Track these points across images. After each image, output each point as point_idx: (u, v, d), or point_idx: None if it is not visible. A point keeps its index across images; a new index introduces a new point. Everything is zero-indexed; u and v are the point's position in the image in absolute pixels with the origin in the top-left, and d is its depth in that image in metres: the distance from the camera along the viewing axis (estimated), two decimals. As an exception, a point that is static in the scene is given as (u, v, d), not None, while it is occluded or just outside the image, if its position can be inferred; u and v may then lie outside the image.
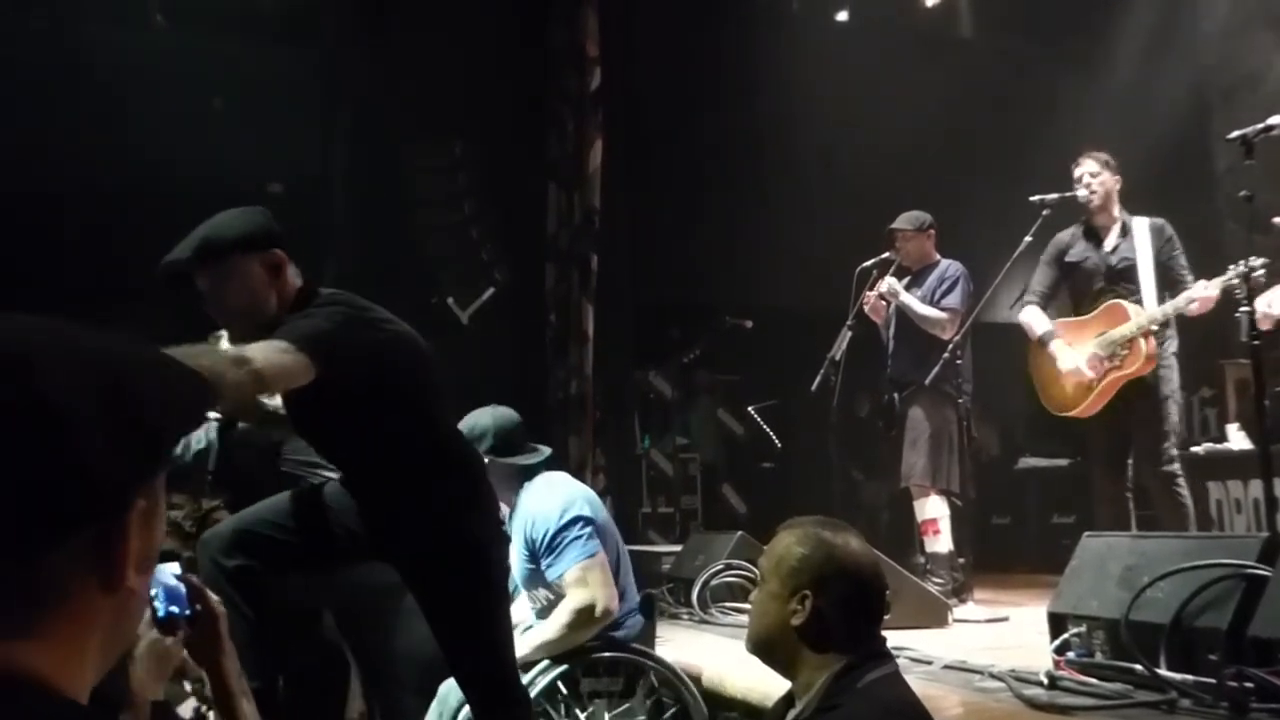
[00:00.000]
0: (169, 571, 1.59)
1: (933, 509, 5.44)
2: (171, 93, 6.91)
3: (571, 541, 3.48)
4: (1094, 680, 3.17)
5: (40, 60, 6.75)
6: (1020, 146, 7.81)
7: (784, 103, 8.50)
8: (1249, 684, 2.71)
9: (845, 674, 2.04)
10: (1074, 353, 4.98)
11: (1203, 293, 4.64)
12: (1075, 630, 3.34)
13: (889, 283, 5.64)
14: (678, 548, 6.67)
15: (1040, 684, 3.23)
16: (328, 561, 2.96)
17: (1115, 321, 4.91)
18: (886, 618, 2.19)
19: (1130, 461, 5.01)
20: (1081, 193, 5.08)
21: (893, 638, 2.54)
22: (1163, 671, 2.96)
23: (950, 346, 5.31)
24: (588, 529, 3.51)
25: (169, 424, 0.87)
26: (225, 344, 3.40)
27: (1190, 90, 8.19)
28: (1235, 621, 2.85)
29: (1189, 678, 2.89)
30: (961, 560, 5.44)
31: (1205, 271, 4.89)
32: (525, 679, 3.39)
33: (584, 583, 3.46)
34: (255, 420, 3.09)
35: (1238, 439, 6.28)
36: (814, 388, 5.66)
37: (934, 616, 4.83)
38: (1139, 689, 3.00)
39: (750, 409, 8.92)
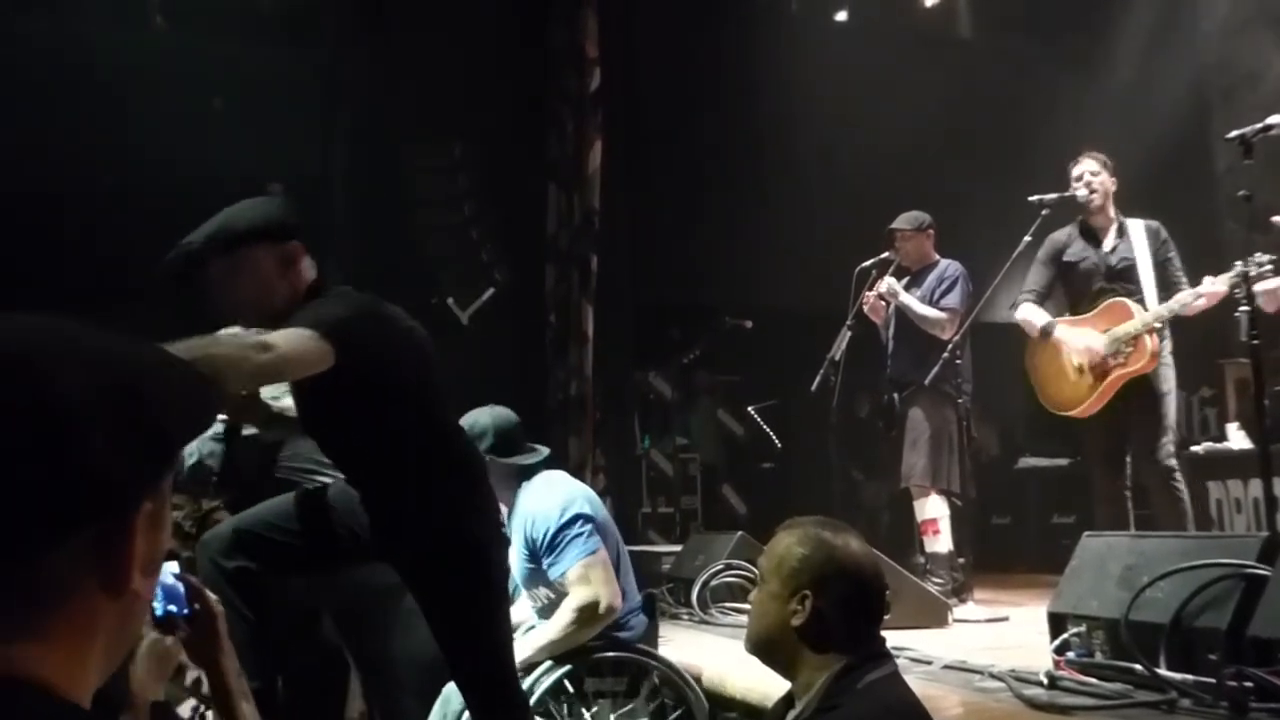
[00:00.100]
0: (168, 571, 1.59)
1: (933, 509, 5.44)
2: (171, 93, 6.91)
3: (572, 540, 3.48)
4: (1094, 680, 3.17)
5: (40, 60, 6.75)
6: (1020, 146, 7.81)
7: (783, 103, 8.50)
8: (1249, 684, 2.71)
9: (845, 674, 2.04)
10: (1079, 347, 4.96)
11: (1211, 288, 4.64)
12: (1075, 630, 3.34)
13: (888, 283, 5.64)
14: (678, 548, 6.67)
15: (1040, 684, 3.23)
16: (328, 564, 2.96)
17: (1118, 319, 4.91)
18: (886, 618, 2.19)
19: (1129, 460, 5.01)
20: (1081, 192, 5.08)
21: (893, 638, 2.55)
22: (1162, 671, 2.96)
23: (950, 346, 5.31)
24: (588, 527, 3.51)
25: (176, 427, 0.87)
26: None
27: (1190, 90, 8.19)
28: (1235, 621, 2.85)
29: (1189, 677, 2.89)
30: (961, 560, 5.44)
31: (1204, 271, 4.90)
32: (530, 678, 3.40)
33: (586, 580, 3.46)
34: (260, 421, 3.08)
35: (1237, 438, 6.28)
36: (814, 388, 5.66)
37: (934, 616, 4.83)
38: (1139, 689, 3.00)
39: (750, 409, 8.92)
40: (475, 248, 7.86)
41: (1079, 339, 4.96)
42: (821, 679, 2.05)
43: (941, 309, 5.54)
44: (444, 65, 7.89)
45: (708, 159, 8.58)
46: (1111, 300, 4.97)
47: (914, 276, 5.76)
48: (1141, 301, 4.92)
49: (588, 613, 3.45)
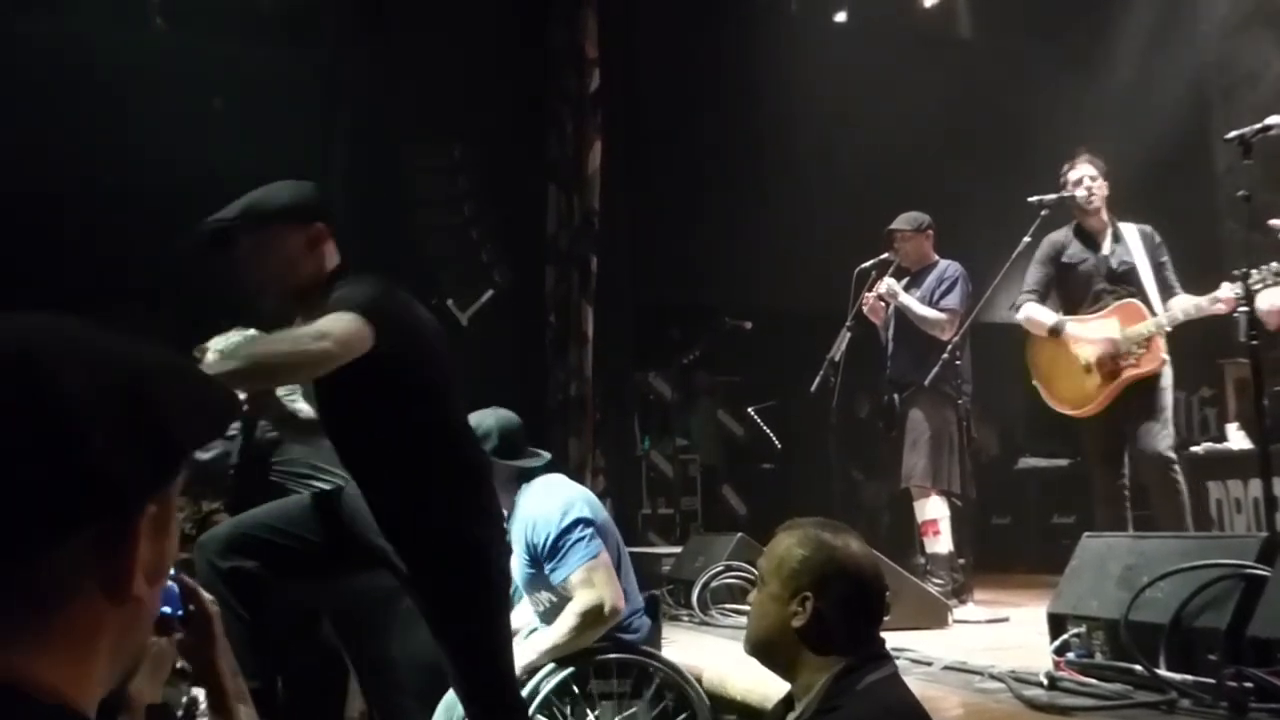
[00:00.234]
0: None
1: (933, 510, 5.44)
2: (171, 93, 6.91)
3: (575, 544, 3.47)
4: (1094, 681, 3.17)
5: (40, 60, 6.75)
6: (1019, 146, 7.81)
7: (783, 103, 8.51)
8: (1248, 684, 2.71)
9: (845, 675, 2.04)
10: (1090, 345, 4.94)
11: (1228, 293, 4.63)
12: (1075, 631, 3.34)
13: (888, 283, 5.64)
14: (678, 549, 6.67)
15: (1040, 685, 3.23)
16: (327, 567, 2.95)
17: (1131, 319, 4.91)
18: (886, 619, 2.19)
19: (1127, 459, 5.01)
20: (1081, 193, 5.08)
21: (893, 639, 2.55)
22: (1162, 672, 2.96)
23: (949, 347, 5.31)
24: (589, 530, 3.51)
25: (187, 432, 0.86)
26: (210, 356, 3.40)
27: (1190, 89, 8.19)
28: (1234, 621, 2.85)
29: (1188, 678, 2.89)
30: (961, 561, 5.44)
31: (1203, 270, 4.90)
32: (534, 681, 3.40)
33: (590, 584, 3.46)
34: (274, 417, 3.08)
35: (1237, 439, 6.28)
36: (813, 389, 5.66)
37: (934, 617, 4.83)
38: (1139, 689, 3.00)
39: (750, 410, 8.92)
40: (475, 248, 7.86)
41: (1096, 331, 4.93)
42: (821, 680, 2.05)
43: (941, 309, 5.54)
44: (444, 65, 7.89)
45: (708, 159, 8.58)
46: (1124, 301, 4.96)
47: (913, 277, 5.77)
48: (1146, 304, 4.92)
49: (592, 616, 3.44)
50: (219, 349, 3.55)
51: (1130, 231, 5.08)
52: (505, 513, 3.57)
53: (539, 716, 3.36)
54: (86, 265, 6.55)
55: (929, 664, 3.80)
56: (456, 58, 7.88)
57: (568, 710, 3.47)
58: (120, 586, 0.82)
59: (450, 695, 3.32)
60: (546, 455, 3.77)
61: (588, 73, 8.06)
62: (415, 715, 3.51)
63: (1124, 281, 5.02)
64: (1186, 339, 5.04)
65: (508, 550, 2.98)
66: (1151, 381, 4.89)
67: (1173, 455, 4.90)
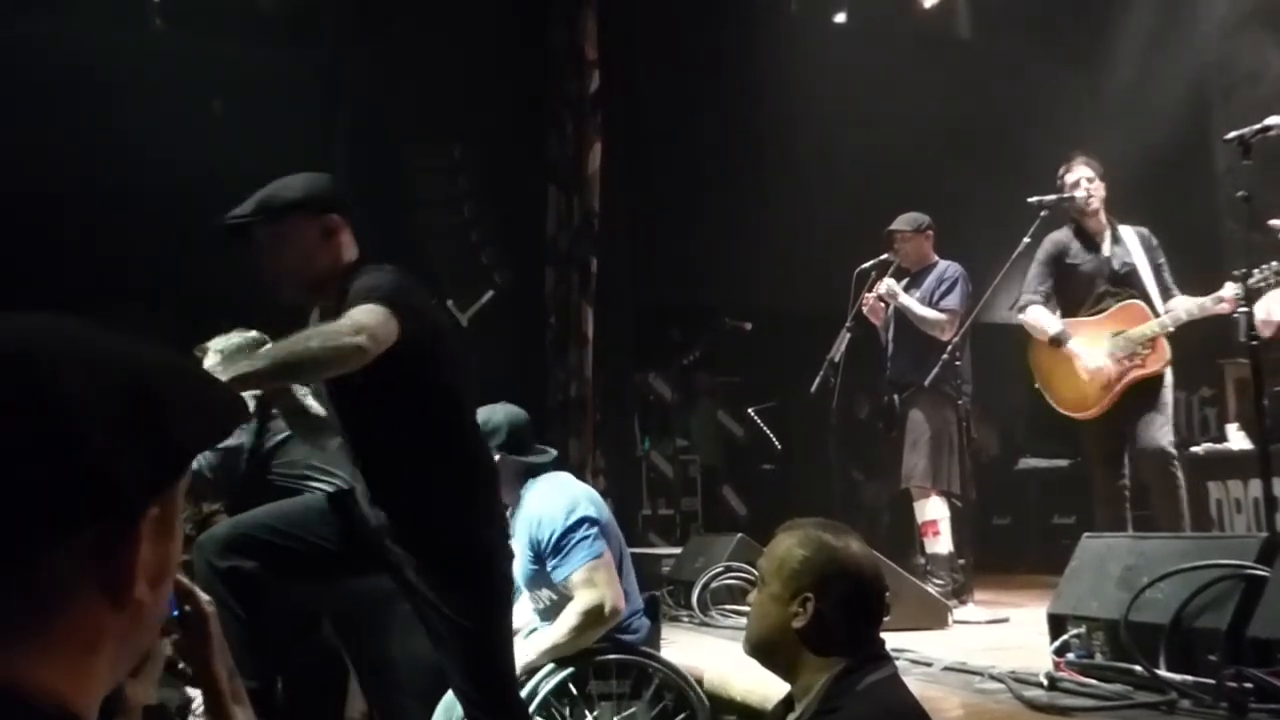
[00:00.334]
0: None
1: (933, 510, 5.44)
2: (171, 94, 6.91)
3: (578, 543, 3.47)
4: (1094, 681, 3.17)
5: (40, 61, 6.75)
6: (1019, 147, 7.81)
7: (783, 104, 8.50)
8: (1248, 684, 2.71)
9: (845, 676, 2.04)
10: (1095, 351, 4.94)
11: (1231, 293, 4.62)
12: (1075, 631, 3.34)
13: (888, 284, 5.64)
14: (678, 550, 6.67)
15: (1040, 685, 3.23)
16: (326, 569, 2.95)
17: (1134, 321, 4.90)
18: (886, 619, 2.19)
19: (1127, 459, 5.01)
20: (1080, 194, 5.07)
21: (893, 639, 2.54)
22: (1162, 672, 2.96)
23: (949, 347, 5.31)
24: (594, 530, 3.51)
25: (189, 433, 0.85)
26: (210, 359, 3.41)
27: (1190, 89, 8.19)
28: (1234, 622, 2.85)
29: (1188, 678, 2.89)
30: (962, 561, 5.44)
31: (1203, 270, 4.89)
32: (533, 681, 3.39)
33: (592, 583, 3.46)
34: (287, 410, 3.08)
35: (1237, 439, 6.28)
36: (813, 389, 5.67)
37: (934, 618, 4.83)
38: (1139, 690, 3.00)
39: (750, 411, 8.92)
40: (475, 249, 7.86)
41: (1092, 359, 4.92)
42: (821, 681, 2.05)
43: (941, 310, 5.54)
44: (444, 66, 7.89)
45: (707, 160, 8.58)
46: (1127, 302, 4.95)
47: (913, 278, 5.77)
48: (1149, 304, 4.92)
49: (593, 616, 3.44)
50: (219, 349, 3.56)
51: (1129, 233, 5.09)
52: (510, 508, 3.58)
53: (537, 718, 3.36)
54: (86, 265, 6.55)
55: (929, 664, 3.80)
56: (456, 58, 7.88)
57: (566, 711, 3.46)
58: (121, 589, 0.81)
59: (450, 695, 3.32)
60: (553, 452, 3.79)
61: (588, 73, 8.06)
62: (415, 715, 3.51)
63: (1126, 283, 5.02)
64: (1186, 339, 5.04)
65: (510, 554, 2.98)
66: (1153, 381, 4.88)
67: (1174, 451, 4.90)
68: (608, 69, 8.11)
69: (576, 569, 3.47)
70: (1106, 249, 5.09)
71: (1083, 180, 5.08)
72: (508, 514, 3.59)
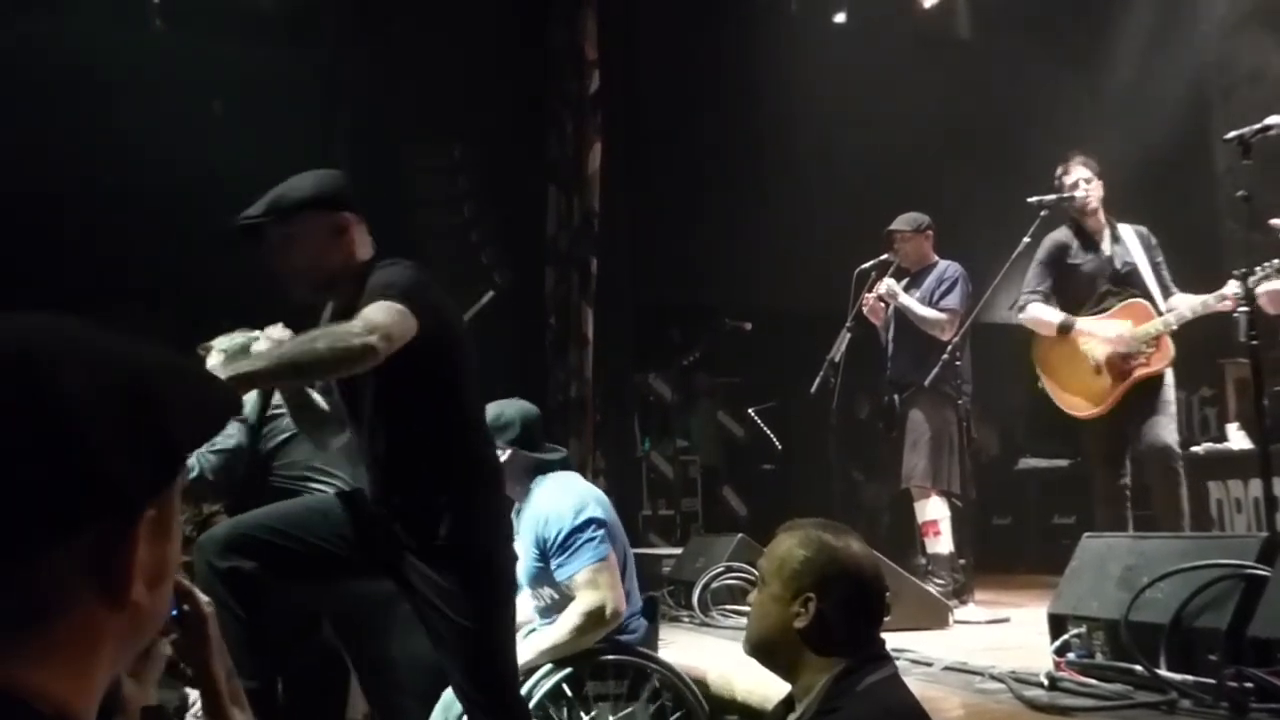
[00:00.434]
0: None
1: (933, 510, 5.44)
2: (171, 94, 6.92)
3: (584, 543, 3.47)
4: (1094, 681, 3.18)
5: (40, 62, 6.75)
6: (1019, 147, 7.80)
7: (783, 104, 8.51)
8: (1248, 684, 2.71)
9: (845, 676, 2.04)
10: (1107, 323, 4.92)
11: (1233, 291, 4.61)
12: (1075, 631, 3.34)
13: (888, 284, 5.64)
14: (678, 550, 6.67)
15: (1041, 685, 3.23)
16: (326, 570, 2.94)
17: (1139, 318, 4.89)
18: (887, 619, 2.19)
19: (1128, 460, 5.01)
20: (1080, 194, 5.07)
21: (893, 639, 2.55)
22: (1163, 672, 2.96)
23: (949, 347, 5.31)
24: (600, 531, 3.51)
25: (182, 431, 0.85)
26: (213, 358, 3.40)
27: (1190, 89, 8.19)
28: (1235, 622, 2.85)
29: (1189, 678, 2.89)
30: (962, 561, 5.44)
31: (1203, 270, 4.89)
32: (530, 682, 3.39)
33: (595, 585, 3.46)
34: (292, 402, 3.07)
35: (1238, 438, 6.28)
36: (813, 390, 5.67)
37: (935, 618, 4.83)
38: (1139, 690, 3.00)
39: (750, 411, 8.92)
40: (475, 249, 7.87)
41: (1105, 329, 4.91)
42: (821, 681, 2.05)
43: (941, 310, 5.54)
44: (444, 66, 7.89)
45: (707, 160, 8.58)
46: (1131, 300, 4.94)
47: (913, 278, 5.76)
48: (1151, 303, 4.91)
49: (594, 618, 3.44)
50: (222, 348, 3.55)
51: (1128, 232, 5.08)
52: (517, 504, 3.59)
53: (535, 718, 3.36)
54: (87, 265, 6.56)
55: (929, 665, 3.80)
56: (456, 58, 7.88)
57: (564, 712, 3.46)
58: (119, 591, 0.81)
59: (448, 693, 3.32)
60: (564, 451, 3.79)
61: (588, 73, 8.06)
62: (416, 716, 3.50)
63: (1127, 282, 5.00)
64: (1187, 339, 5.04)
65: (513, 555, 2.98)
66: (1154, 381, 4.88)
67: (1178, 450, 4.90)
68: (608, 69, 8.11)
69: (580, 569, 3.47)
70: (1106, 248, 5.08)
71: (1080, 180, 5.07)
72: (515, 509, 3.60)
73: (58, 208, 6.76)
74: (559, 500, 3.55)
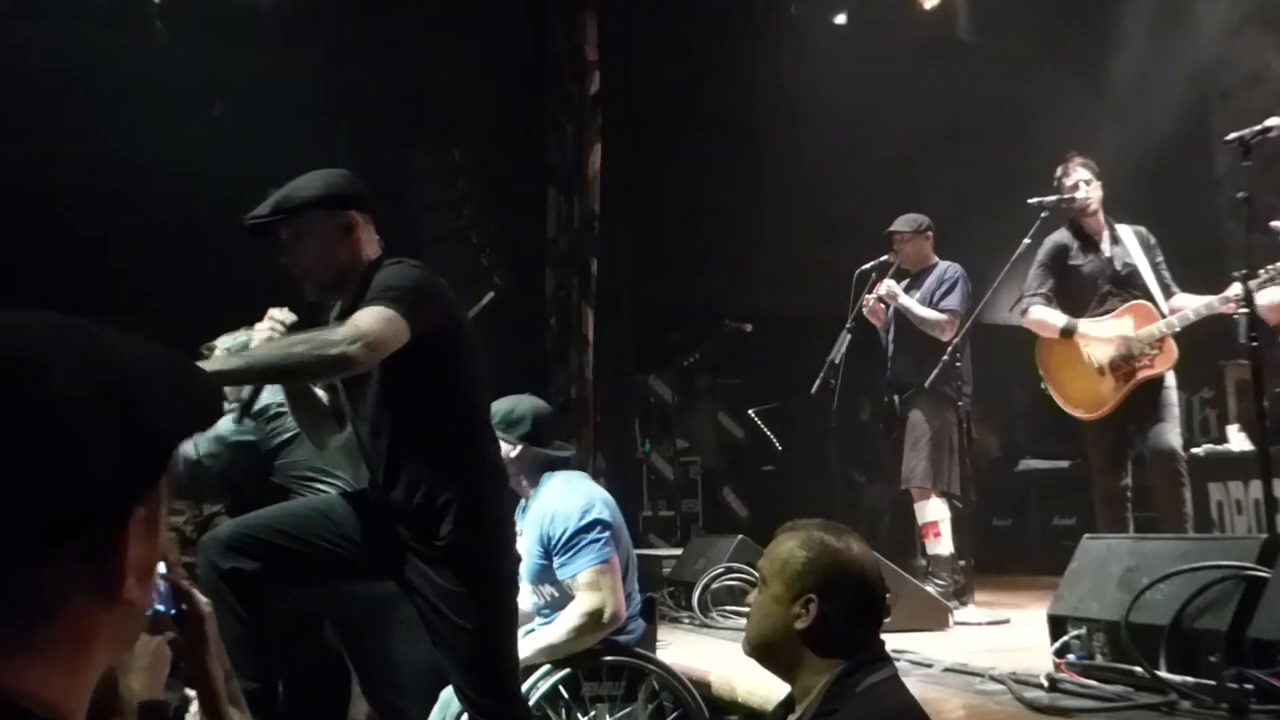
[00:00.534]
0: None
1: (933, 511, 5.44)
2: (171, 99, 6.93)
3: (589, 544, 3.48)
4: (1094, 682, 3.17)
5: (41, 65, 6.76)
6: (1019, 148, 7.79)
7: (783, 105, 8.51)
8: (1249, 685, 2.71)
9: (845, 677, 2.04)
10: (1110, 324, 4.92)
11: (1238, 293, 4.60)
12: (1075, 632, 3.34)
13: (888, 285, 5.64)
14: (678, 551, 6.67)
15: (1041, 686, 3.23)
16: (329, 571, 2.95)
17: (1143, 320, 4.88)
18: (887, 620, 2.19)
19: (1130, 461, 5.01)
20: (1080, 195, 5.06)
21: (894, 640, 2.55)
22: (1163, 673, 2.96)
23: (950, 349, 5.31)
24: (605, 534, 3.51)
25: (170, 427, 0.85)
26: (219, 353, 3.41)
27: (1190, 91, 8.19)
28: (1235, 623, 2.85)
29: (1189, 679, 2.89)
30: (963, 563, 5.44)
31: (1204, 272, 4.89)
32: (527, 683, 3.39)
33: (596, 587, 3.46)
34: (292, 399, 3.08)
35: (1238, 440, 6.28)
36: (813, 391, 5.67)
37: (935, 619, 4.83)
38: (1139, 691, 3.00)
39: (751, 412, 8.91)
40: (475, 251, 7.87)
41: (1110, 330, 4.88)
42: (821, 682, 2.05)
43: (941, 311, 5.54)
44: (444, 68, 7.90)
45: (707, 161, 8.59)
46: (1135, 302, 4.92)
47: (913, 279, 5.77)
48: (1154, 304, 4.90)
49: (593, 619, 3.45)
50: (227, 347, 3.56)
51: (1127, 233, 5.06)
52: (524, 500, 3.60)
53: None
54: (87, 266, 6.56)
55: (930, 666, 3.81)
56: (457, 60, 7.89)
57: (562, 713, 3.47)
58: (113, 589, 0.81)
59: (446, 692, 3.32)
60: (572, 450, 3.80)
61: (588, 75, 8.06)
62: (416, 717, 3.51)
63: (1128, 283, 4.98)
64: (1187, 340, 5.03)
65: (517, 557, 2.99)
66: (1157, 383, 4.86)
67: (1183, 453, 4.89)
68: (608, 71, 8.11)
69: (583, 570, 3.47)
70: (1106, 249, 5.07)
71: (1081, 181, 5.06)
72: (521, 506, 3.61)
73: (58, 209, 6.76)
74: (566, 499, 3.56)
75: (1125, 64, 8.43)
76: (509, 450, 3.54)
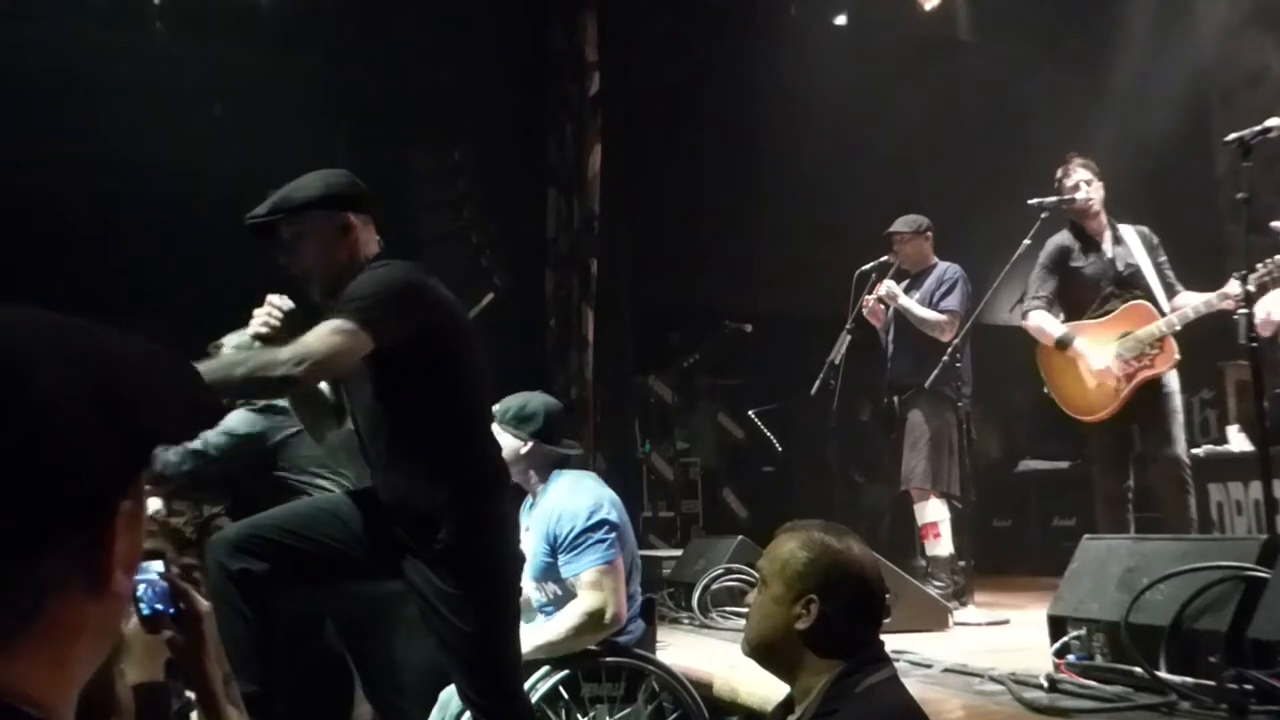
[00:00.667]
0: (153, 570, 1.58)
1: (933, 512, 5.44)
2: (171, 100, 6.93)
3: (594, 544, 3.48)
4: (1094, 683, 3.17)
5: (41, 65, 6.76)
6: (1019, 148, 7.81)
7: (783, 106, 8.52)
8: (1248, 686, 2.71)
9: (844, 678, 2.04)
10: (1101, 352, 4.91)
11: (1236, 290, 4.59)
12: (1075, 633, 3.34)
13: (887, 286, 5.64)
14: (678, 552, 6.67)
15: (1040, 687, 3.23)
16: (337, 571, 2.94)
17: (1142, 321, 4.87)
18: (886, 621, 2.19)
19: (1131, 462, 5.00)
20: (1081, 196, 5.06)
21: (893, 641, 2.55)
22: (1162, 674, 2.96)
23: (949, 349, 5.30)
24: (611, 535, 3.51)
25: (160, 426, 0.85)
26: (226, 350, 3.41)
27: (1190, 91, 8.19)
28: (1235, 623, 2.85)
29: (1189, 680, 2.89)
30: (962, 563, 5.44)
31: (1204, 273, 4.89)
32: (526, 685, 3.39)
33: (599, 587, 3.46)
34: (293, 397, 3.08)
35: (1238, 440, 6.28)
36: (813, 391, 5.67)
37: (934, 619, 4.83)
38: (1139, 691, 3.00)
39: (751, 413, 8.91)
40: (475, 252, 7.87)
41: (1099, 360, 4.86)
42: (821, 682, 2.05)
43: (941, 311, 5.54)
44: (444, 69, 7.90)
45: (707, 161, 8.59)
46: (1133, 303, 4.92)
47: (913, 279, 5.77)
48: (1154, 304, 4.90)
49: (593, 619, 3.45)
50: (235, 345, 3.55)
51: (1129, 233, 5.06)
52: (531, 497, 3.60)
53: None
54: (87, 267, 6.56)
55: (929, 666, 3.81)
56: (456, 61, 7.89)
57: (562, 714, 3.46)
58: (101, 582, 0.81)
59: (446, 692, 3.32)
60: (581, 450, 3.80)
61: (588, 76, 8.06)
62: (417, 718, 3.50)
63: (1130, 284, 4.97)
64: (1187, 341, 5.03)
65: (520, 558, 2.98)
66: (1160, 386, 4.86)
67: (1188, 460, 4.89)
68: (608, 71, 8.11)
69: (586, 569, 3.47)
70: (1109, 250, 5.06)
71: (1081, 182, 5.05)
72: (529, 503, 3.61)
73: (58, 209, 6.77)
74: (575, 498, 3.56)
75: (1125, 64, 8.43)
76: (520, 446, 3.55)
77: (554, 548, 3.53)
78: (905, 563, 5.65)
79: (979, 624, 5.02)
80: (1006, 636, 4.72)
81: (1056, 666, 3.32)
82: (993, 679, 3.46)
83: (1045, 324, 5.04)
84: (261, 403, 3.67)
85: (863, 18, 9.44)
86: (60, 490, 0.77)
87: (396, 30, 7.91)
